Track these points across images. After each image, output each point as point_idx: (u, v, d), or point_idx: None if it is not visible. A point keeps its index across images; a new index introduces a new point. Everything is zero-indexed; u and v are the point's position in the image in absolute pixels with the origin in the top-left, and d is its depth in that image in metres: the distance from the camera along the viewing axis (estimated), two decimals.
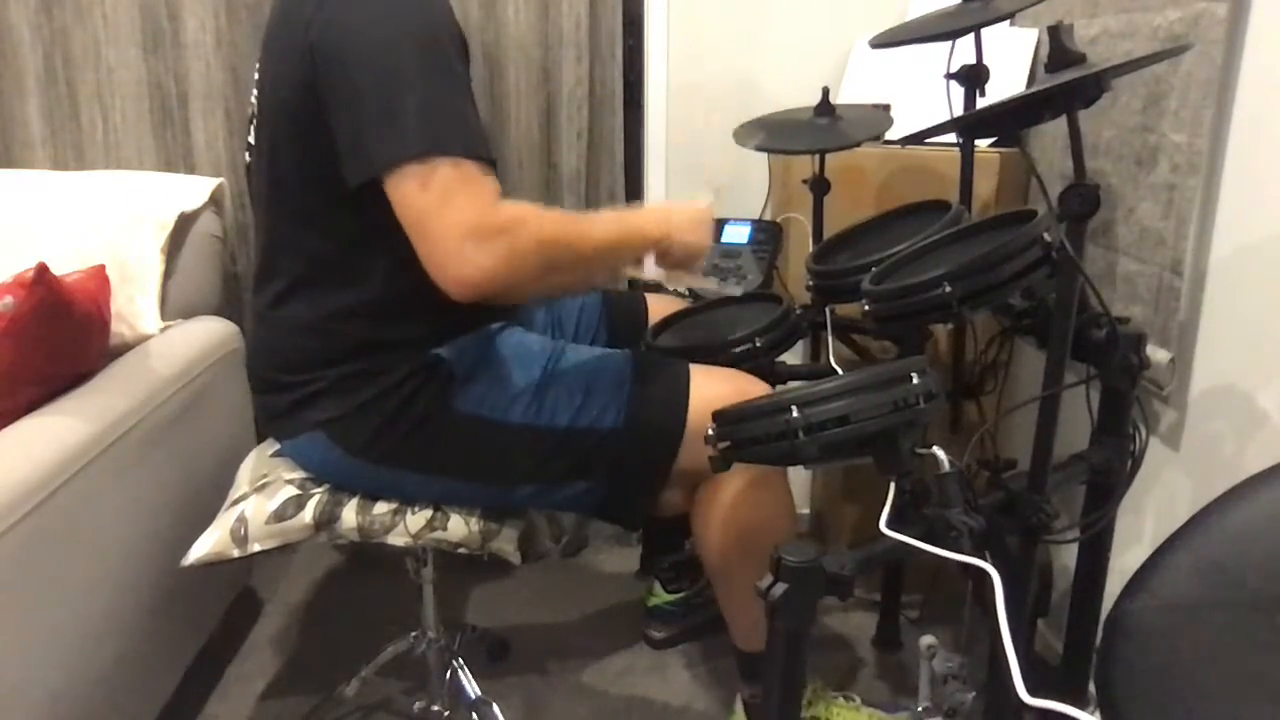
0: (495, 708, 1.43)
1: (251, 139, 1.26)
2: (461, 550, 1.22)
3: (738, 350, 1.31)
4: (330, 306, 1.18)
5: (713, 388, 1.21)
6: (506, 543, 1.23)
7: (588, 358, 1.27)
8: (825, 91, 1.50)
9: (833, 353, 1.39)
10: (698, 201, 1.32)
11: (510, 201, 1.07)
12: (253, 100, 1.25)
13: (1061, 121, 1.00)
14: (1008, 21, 1.57)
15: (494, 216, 1.05)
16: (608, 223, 1.19)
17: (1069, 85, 0.94)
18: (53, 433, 1.18)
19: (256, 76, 1.24)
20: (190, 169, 1.86)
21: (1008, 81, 1.57)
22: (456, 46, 1.11)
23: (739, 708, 1.42)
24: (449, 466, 1.20)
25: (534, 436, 1.19)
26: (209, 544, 1.19)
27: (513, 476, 1.21)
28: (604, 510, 1.25)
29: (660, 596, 1.73)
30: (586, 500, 1.23)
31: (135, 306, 1.57)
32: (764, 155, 1.81)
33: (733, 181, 1.85)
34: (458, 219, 1.03)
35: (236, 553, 1.19)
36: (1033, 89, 0.99)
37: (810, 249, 1.52)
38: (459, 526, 1.21)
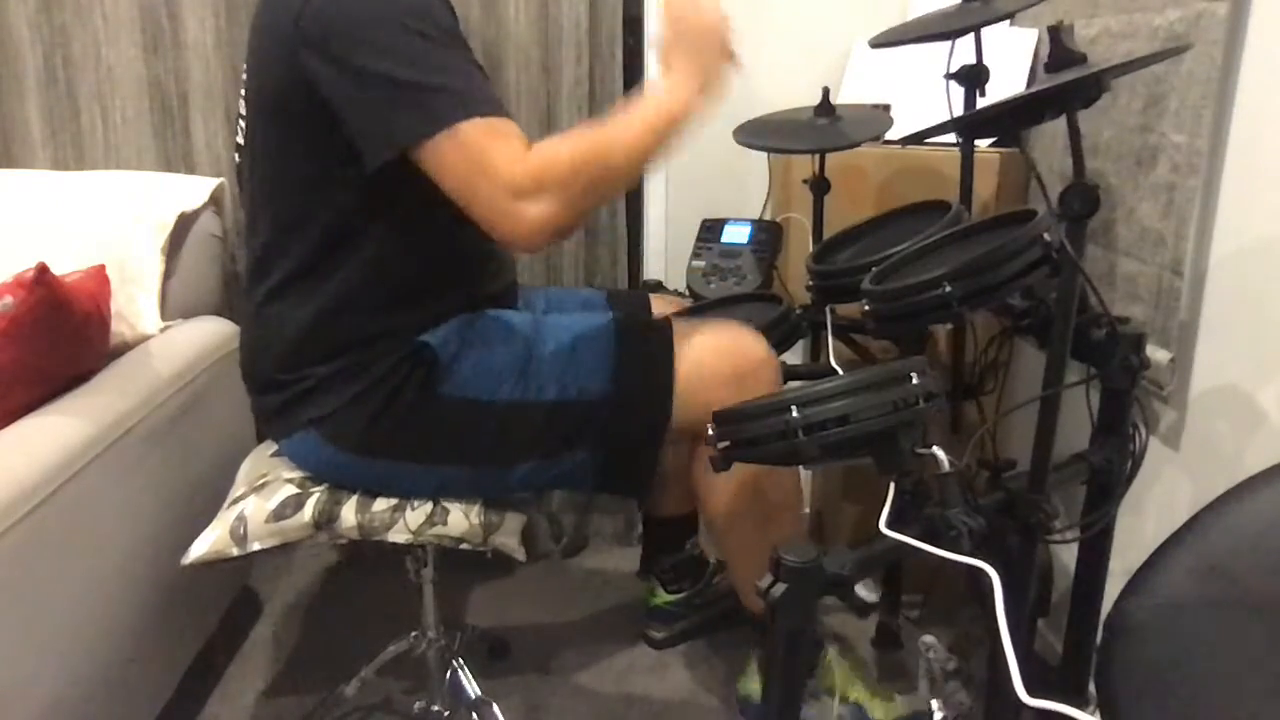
0: (495, 708, 1.43)
1: (240, 139, 1.26)
2: (464, 546, 1.21)
3: None
4: (319, 303, 1.18)
5: (698, 339, 1.21)
6: (509, 536, 1.22)
7: (570, 326, 1.26)
8: (825, 91, 1.50)
9: (833, 353, 1.39)
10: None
11: (537, 144, 1.08)
12: (240, 100, 1.25)
13: (1061, 121, 1.00)
14: (1008, 21, 1.57)
15: (531, 166, 1.05)
16: (635, 122, 1.12)
17: (1069, 85, 0.94)
18: (53, 433, 1.18)
19: (244, 77, 1.24)
20: (190, 169, 1.86)
21: (1008, 81, 1.57)
22: (447, 12, 1.12)
23: (751, 668, 1.41)
24: (444, 453, 1.20)
25: (524, 412, 1.19)
26: (208, 543, 1.19)
27: (509, 456, 1.21)
28: (605, 481, 1.24)
29: (660, 596, 1.73)
30: (586, 472, 1.22)
31: (135, 306, 1.57)
32: (764, 155, 1.81)
33: None
34: (502, 179, 1.04)
35: (236, 552, 1.19)
36: (1033, 89, 0.99)
37: (810, 249, 1.52)
38: (459, 520, 1.21)
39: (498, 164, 1.04)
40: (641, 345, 1.23)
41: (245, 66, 1.24)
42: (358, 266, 1.16)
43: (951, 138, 1.48)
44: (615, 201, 1.94)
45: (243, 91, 1.24)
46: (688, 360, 1.20)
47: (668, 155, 1.19)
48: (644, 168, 1.17)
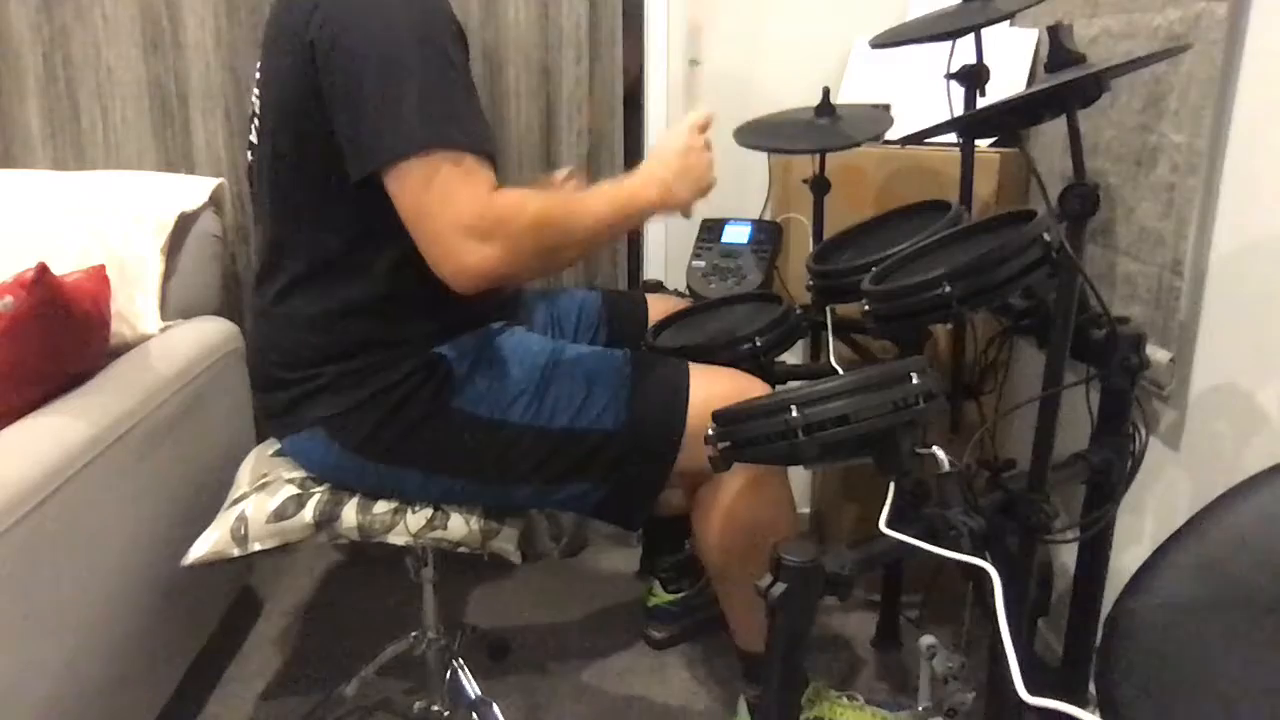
0: (495, 708, 1.43)
1: (253, 138, 1.26)
2: (462, 550, 1.22)
3: (738, 350, 1.31)
4: (333, 302, 1.18)
5: (713, 388, 1.21)
6: (507, 542, 1.23)
7: (588, 358, 1.27)
8: (825, 91, 1.50)
9: (833, 353, 1.39)
10: (684, 121, 1.28)
11: (505, 190, 1.08)
12: (254, 99, 1.26)
13: (1061, 121, 1.00)
14: (1008, 21, 1.57)
15: (490, 210, 1.06)
16: (604, 198, 1.19)
17: (1069, 85, 0.94)
18: (53, 433, 1.18)
19: (258, 76, 1.24)
20: (190, 169, 1.86)
21: (1008, 81, 1.57)
22: (455, 38, 1.12)
23: (742, 708, 1.42)
24: (448, 465, 1.20)
25: (534, 436, 1.19)
26: (209, 543, 1.19)
27: (512, 476, 1.21)
28: (603, 511, 1.25)
29: (660, 596, 1.73)
30: (586, 500, 1.23)
31: (135, 306, 1.57)
32: (764, 155, 1.81)
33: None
34: (455, 214, 1.04)
35: (236, 552, 1.19)
36: (1033, 89, 0.99)
37: (810, 249, 1.52)
38: (459, 525, 1.21)
39: (457, 199, 1.05)
40: (657, 386, 1.23)
41: (258, 65, 1.24)
42: (372, 268, 1.16)
43: (951, 138, 1.48)
44: None
45: (255, 90, 1.24)
46: (697, 406, 1.20)
47: (620, 235, 1.31)
48: (599, 240, 1.24)
